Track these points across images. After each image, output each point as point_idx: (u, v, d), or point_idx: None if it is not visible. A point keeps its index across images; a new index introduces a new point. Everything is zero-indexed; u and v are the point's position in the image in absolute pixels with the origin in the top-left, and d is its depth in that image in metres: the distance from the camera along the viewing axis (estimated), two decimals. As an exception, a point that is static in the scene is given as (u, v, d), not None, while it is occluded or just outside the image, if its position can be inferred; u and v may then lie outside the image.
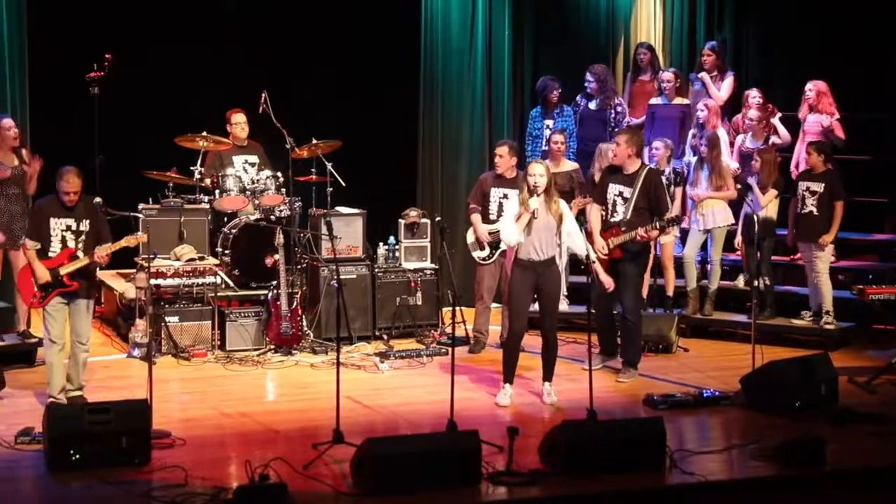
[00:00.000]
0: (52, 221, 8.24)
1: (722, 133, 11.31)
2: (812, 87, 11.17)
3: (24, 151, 9.74)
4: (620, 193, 9.28)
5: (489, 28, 12.65)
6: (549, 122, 11.65)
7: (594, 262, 8.81)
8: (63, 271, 8.21)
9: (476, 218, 10.04)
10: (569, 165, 10.92)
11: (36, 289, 8.22)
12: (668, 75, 11.79)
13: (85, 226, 8.30)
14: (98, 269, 8.89)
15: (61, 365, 8.33)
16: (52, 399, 8.22)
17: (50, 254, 8.24)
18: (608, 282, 9.10)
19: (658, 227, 9.14)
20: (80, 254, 8.26)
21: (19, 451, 7.29)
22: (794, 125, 11.49)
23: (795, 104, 11.48)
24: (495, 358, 9.23)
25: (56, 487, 6.74)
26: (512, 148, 9.99)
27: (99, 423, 6.93)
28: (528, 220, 8.41)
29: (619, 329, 9.54)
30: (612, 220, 9.29)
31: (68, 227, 8.26)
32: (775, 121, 11.36)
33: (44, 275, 8.18)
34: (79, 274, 8.27)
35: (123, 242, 8.45)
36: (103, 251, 8.26)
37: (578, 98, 11.99)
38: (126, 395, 8.18)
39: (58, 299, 8.25)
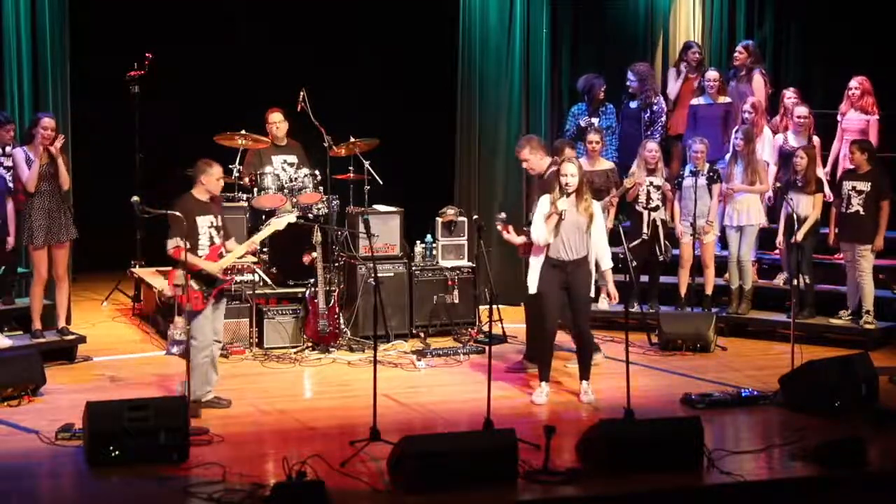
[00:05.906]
0: (199, 220, 8.07)
1: (767, 133, 11.24)
2: (858, 85, 11.02)
3: (61, 158, 9.48)
4: None
5: (527, 27, 12.62)
6: (595, 120, 11.61)
7: (608, 268, 8.69)
8: (223, 265, 8.06)
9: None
10: (605, 164, 10.88)
11: (197, 288, 7.96)
12: (712, 74, 11.67)
13: (220, 221, 8.19)
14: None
15: (209, 367, 8.20)
16: (195, 402, 7.80)
17: (199, 252, 8.04)
18: (614, 294, 8.84)
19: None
20: (226, 248, 8.10)
21: (60, 446, 7.35)
22: (831, 124, 11.38)
23: (835, 102, 11.37)
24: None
25: (95, 483, 6.79)
26: None
27: (138, 420, 6.96)
28: (556, 221, 8.37)
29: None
30: None
31: (212, 224, 8.12)
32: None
33: (216, 268, 7.99)
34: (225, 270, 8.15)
35: (273, 227, 8.46)
36: (257, 240, 8.15)
37: (624, 97, 11.96)
38: (165, 392, 8.24)
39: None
